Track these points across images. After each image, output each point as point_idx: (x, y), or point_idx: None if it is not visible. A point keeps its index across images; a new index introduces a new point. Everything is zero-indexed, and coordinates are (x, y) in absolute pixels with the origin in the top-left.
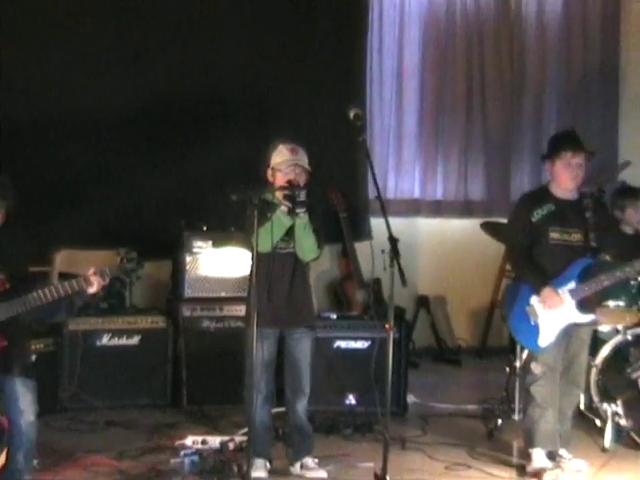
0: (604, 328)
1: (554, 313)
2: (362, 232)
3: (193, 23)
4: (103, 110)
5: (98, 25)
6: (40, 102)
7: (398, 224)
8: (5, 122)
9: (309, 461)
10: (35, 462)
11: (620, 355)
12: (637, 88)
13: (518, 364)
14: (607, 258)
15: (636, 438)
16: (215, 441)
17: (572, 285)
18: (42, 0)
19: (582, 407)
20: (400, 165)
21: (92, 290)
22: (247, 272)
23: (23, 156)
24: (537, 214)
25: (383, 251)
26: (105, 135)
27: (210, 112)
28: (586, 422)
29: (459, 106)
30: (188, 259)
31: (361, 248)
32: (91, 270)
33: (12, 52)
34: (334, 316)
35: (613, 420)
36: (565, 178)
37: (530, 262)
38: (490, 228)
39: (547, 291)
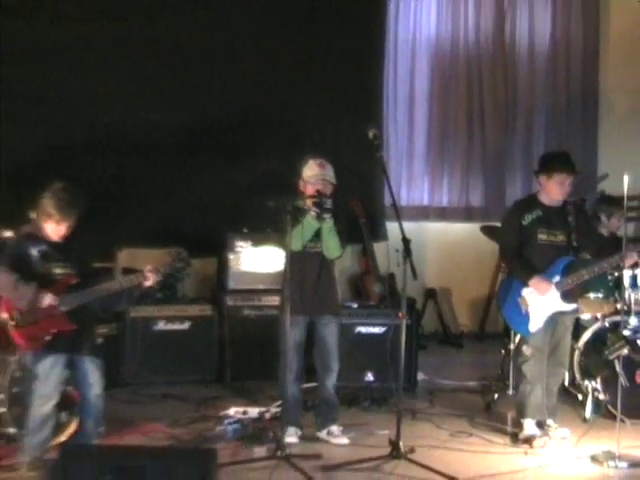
0: (585, 316)
1: (542, 303)
2: (379, 234)
3: (237, 57)
4: (161, 131)
5: (159, 60)
6: (108, 124)
7: (409, 227)
8: (83, 141)
9: (334, 429)
10: (102, 428)
11: (599, 339)
12: (614, 111)
13: (512, 347)
14: (587, 256)
15: (612, 410)
16: (254, 412)
17: (557, 278)
18: (105, 38)
19: (566, 384)
20: (411, 177)
21: (148, 284)
22: (281, 268)
23: (95, 169)
24: (527, 218)
25: (397, 250)
26: (163, 153)
27: (250, 133)
28: (570, 396)
29: (461, 127)
30: (231, 257)
31: (378, 247)
32: (147, 267)
33: (90, 82)
34: (355, 305)
35: (593, 395)
36: (557, 193)
37: (520, 259)
38: (488, 231)
39: (536, 279)
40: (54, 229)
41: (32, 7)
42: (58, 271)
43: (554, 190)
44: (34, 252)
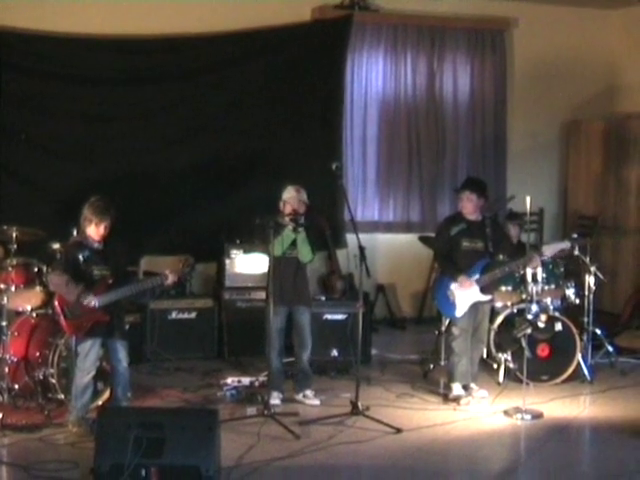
0: (499, 304)
1: (465, 294)
2: (341, 243)
3: (235, 114)
4: (175, 168)
5: (178, 116)
6: (138, 163)
7: (364, 238)
8: (118, 176)
9: (308, 392)
10: (129, 394)
11: (509, 322)
12: (517, 148)
13: (443, 328)
14: (500, 258)
15: (519, 376)
16: (246, 380)
17: (477, 276)
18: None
19: (485, 356)
20: (365, 199)
21: (168, 282)
22: (266, 270)
23: (126, 196)
24: (454, 230)
25: (355, 255)
26: (177, 183)
27: (243, 168)
28: (487, 365)
29: (403, 160)
30: (227, 261)
31: (340, 253)
32: (167, 270)
33: (126, 133)
34: (323, 298)
35: (505, 364)
36: (464, 207)
37: (449, 262)
38: (424, 240)
39: (462, 278)
40: (94, 231)
41: (80, 74)
42: (97, 272)
43: (462, 206)
44: (80, 257)
